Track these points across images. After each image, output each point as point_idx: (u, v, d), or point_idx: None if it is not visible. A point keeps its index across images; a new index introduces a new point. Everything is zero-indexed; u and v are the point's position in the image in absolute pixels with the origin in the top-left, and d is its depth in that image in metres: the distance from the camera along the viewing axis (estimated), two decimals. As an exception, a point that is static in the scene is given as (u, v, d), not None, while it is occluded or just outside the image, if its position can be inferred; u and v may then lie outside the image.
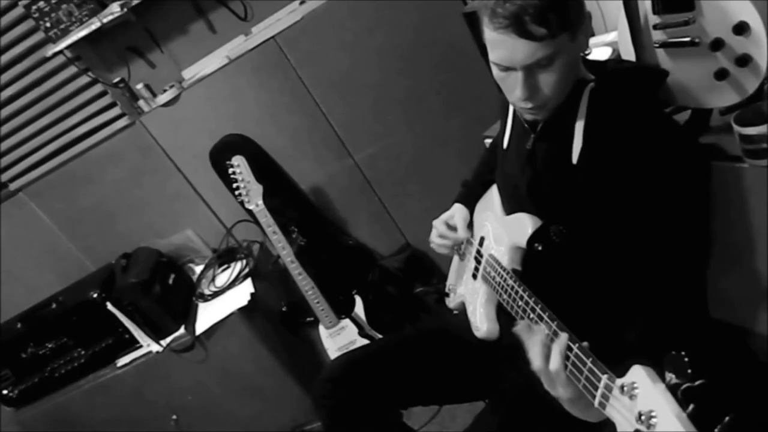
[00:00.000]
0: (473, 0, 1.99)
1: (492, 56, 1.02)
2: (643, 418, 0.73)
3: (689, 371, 0.71)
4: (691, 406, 0.69)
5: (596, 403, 0.83)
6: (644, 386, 0.74)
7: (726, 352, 1.32)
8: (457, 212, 1.41)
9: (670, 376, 0.73)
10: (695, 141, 1.20)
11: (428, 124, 2.19)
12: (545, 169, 1.14)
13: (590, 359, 0.85)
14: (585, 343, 0.90)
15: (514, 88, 1.02)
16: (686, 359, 0.72)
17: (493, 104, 1.38)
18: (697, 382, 0.70)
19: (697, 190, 1.06)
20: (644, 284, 1.03)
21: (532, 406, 1.16)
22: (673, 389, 0.71)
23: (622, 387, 0.78)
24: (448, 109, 2.16)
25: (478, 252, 1.30)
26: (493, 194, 1.36)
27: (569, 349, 0.90)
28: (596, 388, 0.83)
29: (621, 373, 0.81)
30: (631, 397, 0.76)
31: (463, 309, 1.35)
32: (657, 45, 1.16)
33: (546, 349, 0.94)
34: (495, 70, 1.05)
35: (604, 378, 0.82)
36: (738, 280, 1.25)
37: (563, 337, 0.92)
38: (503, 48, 0.98)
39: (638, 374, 0.76)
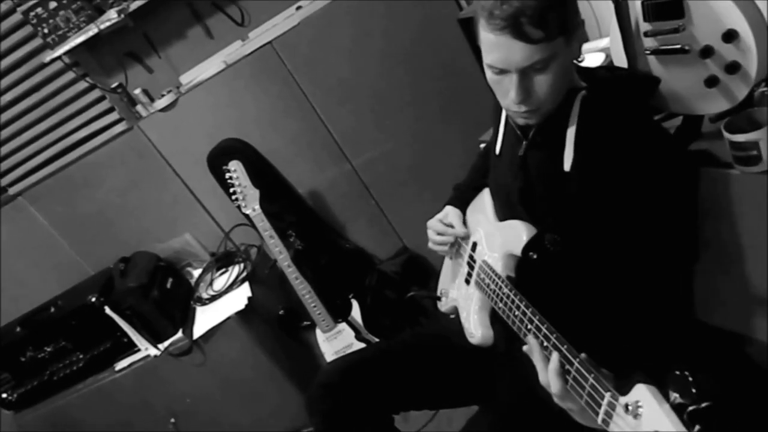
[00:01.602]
0: (470, 5, 2.00)
1: (487, 59, 1.02)
2: None
3: (693, 391, 0.71)
4: (696, 428, 0.69)
5: (599, 420, 0.83)
6: (649, 406, 0.73)
7: (725, 363, 1.33)
8: (450, 212, 1.41)
9: (674, 396, 0.72)
10: (684, 149, 1.21)
11: (425, 129, 2.20)
12: (537, 177, 1.14)
13: (592, 375, 0.85)
14: (583, 355, 0.89)
15: (508, 92, 1.02)
16: (690, 379, 0.72)
17: (490, 109, 1.38)
18: (703, 404, 0.70)
19: (685, 197, 1.07)
20: (631, 287, 1.03)
21: (524, 410, 1.17)
22: (677, 410, 0.71)
23: (626, 406, 0.77)
24: (445, 113, 2.17)
25: (471, 257, 1.30)
26: (484, 198, 1.36)
27: (570, 363, 0.89)
28: (599, 406, 0.82)
29: (619, 384, 0.80)
30: (636, 416, 0.75)
31: (456, 313, 1.35)
32: (648, 52, 1.17)
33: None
34: (489, 73, 1.05)
35: (607, 396, 0.81)
36: (731, 286, 1.25)
37: (554, 358, 0.91)
38: (499, 50, 0.98)
39: (642, 393, 0.75)
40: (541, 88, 1.01)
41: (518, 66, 0.98)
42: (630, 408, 0.76)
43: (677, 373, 0.73)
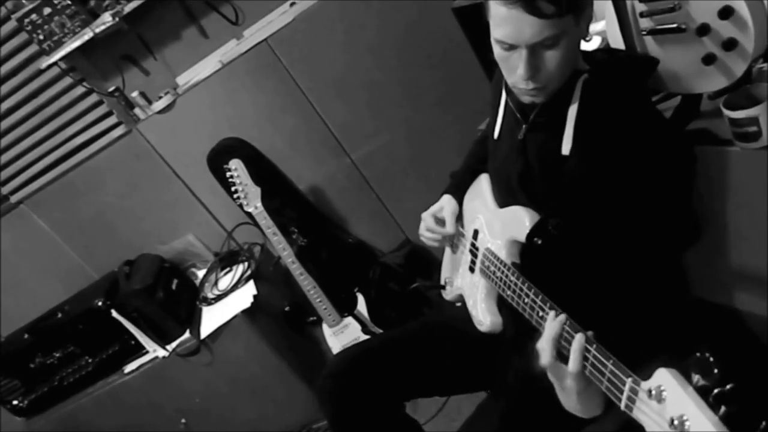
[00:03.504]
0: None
1: (497, 33, 1.02)
2: (675, 423, 0.71)
3: (715, 371, 0.71)
4: (722, 409, 0.69)
5: (622, 406, 0.82)
6: (672, 390, 0.73)
7: (727, 339, 1.33)
8: (446, 205, 1.41)
9: (697, 378, 0.72)
10: (681, 131, 1.21)
11: (424, 120, 2.20)
12: (536, 160, 1.15)
13: (611, 361, 0.84)
14: (590, 333, 0.90)
15: (516, 68, 1.02)
16: (711, 360, 0.71)
17: (486, 98, 1.38)
18: (728, 386, 0.70)
19: (683, 178, 1.07)
20: (632, 268, 1.04)
21: (533, 395, 1.18)
22: (701, 392, 0.71)
23: (649, 391, 0.76)
24: (443, 104, 2.17)
25: (473, 245, 1.31)
26: (482, 184, 1.37)
27: (587, 350, 0.89)
28: (621, 392, 0.82)
29: (633, 369, 0.80)
30: (660, 401, 0.74)
31: (461, 301, 1.36)
32: (644, 33, 1.17)
33: (558, 345, 0.94)
34: (497, 49, 1.04)
35: (629, 381, 0.81)
36: (732, 263, 1.26)
37: (579, 337, 0.91)
38: (510, 24, 0.98)
39: (664, 377, 0.74)
40: (550, 65, 1.01)
41: (528, 41, 0.98)
42: (653, 393, 0.75)
43: (698, 355, 0.72)
